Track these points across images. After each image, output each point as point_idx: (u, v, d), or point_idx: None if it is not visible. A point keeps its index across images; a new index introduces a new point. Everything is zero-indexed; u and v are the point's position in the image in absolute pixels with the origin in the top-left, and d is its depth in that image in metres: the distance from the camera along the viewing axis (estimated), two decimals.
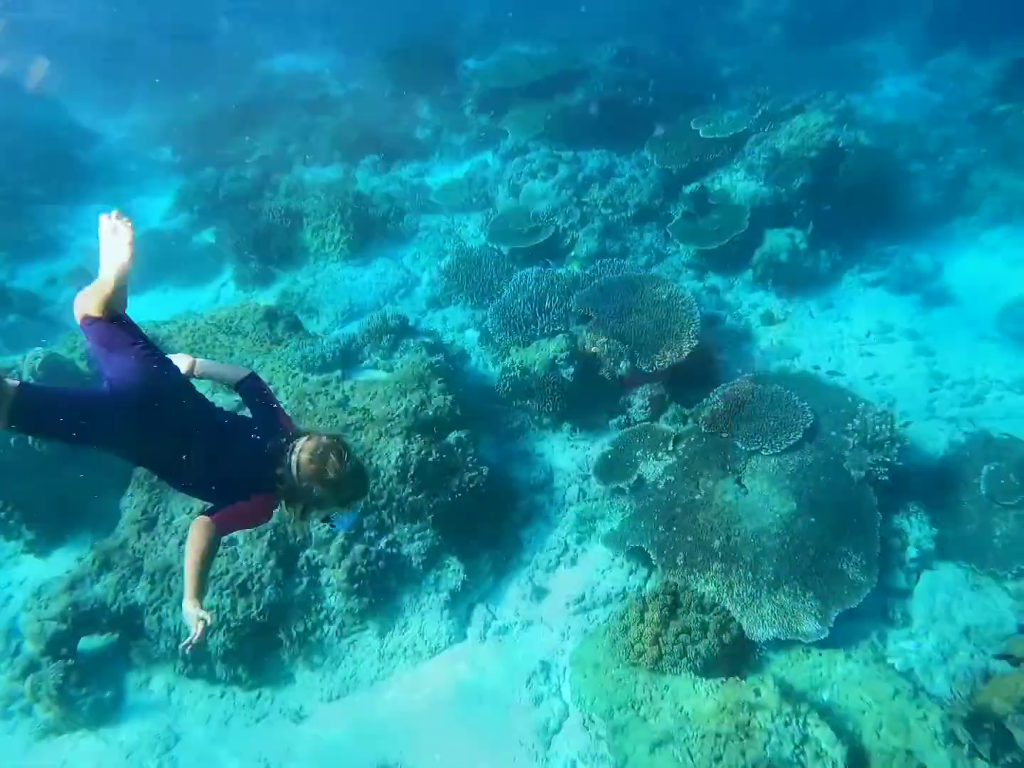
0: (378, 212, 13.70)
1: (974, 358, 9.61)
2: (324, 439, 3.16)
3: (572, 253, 11.48)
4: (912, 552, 7.28)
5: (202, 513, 3.10)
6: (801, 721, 5.64)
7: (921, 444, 8.36)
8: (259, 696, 7.37)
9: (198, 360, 3.64)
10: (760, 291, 10.93)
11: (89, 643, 7.75)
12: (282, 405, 3.60)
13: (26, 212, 16.64)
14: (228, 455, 3.17)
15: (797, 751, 5.48)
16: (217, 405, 3.37)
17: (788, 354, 9.95)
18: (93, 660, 7.67)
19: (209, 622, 2.98)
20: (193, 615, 2.96)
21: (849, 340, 10.09)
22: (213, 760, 6.95)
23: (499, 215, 12.53)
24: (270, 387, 3.63)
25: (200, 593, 2.99)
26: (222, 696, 7.43)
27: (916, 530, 7.39)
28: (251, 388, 3.60)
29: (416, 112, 17.52)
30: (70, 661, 7.42)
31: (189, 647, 2.99)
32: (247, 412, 3.58)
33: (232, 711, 7.30)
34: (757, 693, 5.86)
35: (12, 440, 8.42)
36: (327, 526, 3.24)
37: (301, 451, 3.09)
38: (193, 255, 13.97)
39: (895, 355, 9.79)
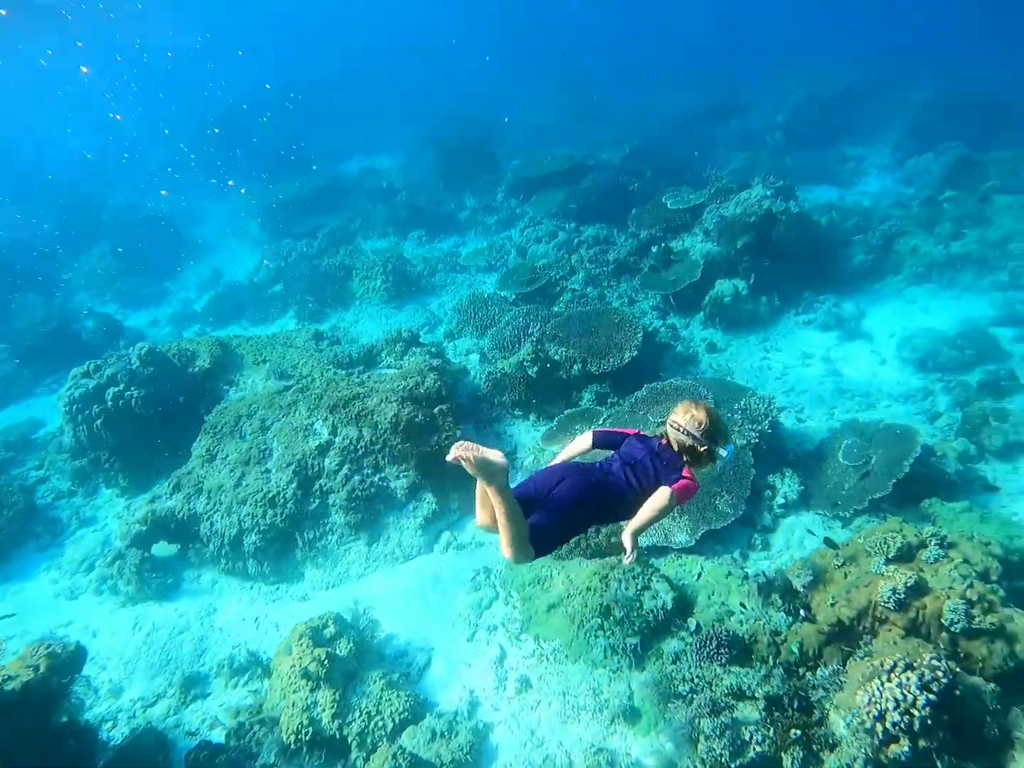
0: (415, 270, 16.84)
1: (873, 378, 11.70)
2: (690, 403, 3.57)
3: (560, 298, 14.17)
4: (780, 500, 9.37)
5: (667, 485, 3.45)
6: (647, 577, 7.77)
7: (812, 435, 10.51)
8: (277, 588, 9.84)
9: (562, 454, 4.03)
10: (710, 328, 13.35)
11: (159, 549, 10.39)
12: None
13: (140, 271, 20.69)
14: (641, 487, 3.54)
15: (638, 593, 7.60)
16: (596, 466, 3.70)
17: (723, 373, 12.24)
18: (161, 559, 10.29)
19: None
20: (630, 542, 3.50)
21: (776, 364, 12.32)
22: (239, 622, 9.40)
23: (508, 270, 15.41)
24: None
25: (638, 533, 3.49)
26: (251, 588, 9.93)
27: (786, 486, 9.49)
28: (603, 439, 3.90)
29: (459, 198, 21.01)
30: (145, 553, 10.07)
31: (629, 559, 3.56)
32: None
33: (256, 596, 9.79)
34: (619, 560, 8.02)
35: (121, 403, 11.35)
36: (721, 459, 3.58)
37: (686, 419, 3.50)
38: (266, 300, 17.29)
39: (810, 376, 11.95)
